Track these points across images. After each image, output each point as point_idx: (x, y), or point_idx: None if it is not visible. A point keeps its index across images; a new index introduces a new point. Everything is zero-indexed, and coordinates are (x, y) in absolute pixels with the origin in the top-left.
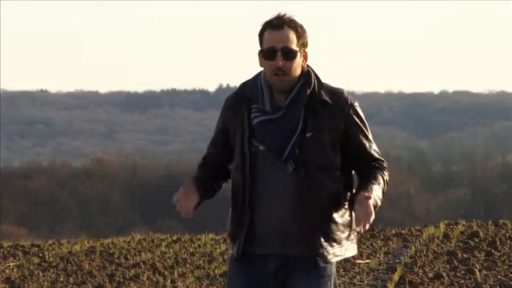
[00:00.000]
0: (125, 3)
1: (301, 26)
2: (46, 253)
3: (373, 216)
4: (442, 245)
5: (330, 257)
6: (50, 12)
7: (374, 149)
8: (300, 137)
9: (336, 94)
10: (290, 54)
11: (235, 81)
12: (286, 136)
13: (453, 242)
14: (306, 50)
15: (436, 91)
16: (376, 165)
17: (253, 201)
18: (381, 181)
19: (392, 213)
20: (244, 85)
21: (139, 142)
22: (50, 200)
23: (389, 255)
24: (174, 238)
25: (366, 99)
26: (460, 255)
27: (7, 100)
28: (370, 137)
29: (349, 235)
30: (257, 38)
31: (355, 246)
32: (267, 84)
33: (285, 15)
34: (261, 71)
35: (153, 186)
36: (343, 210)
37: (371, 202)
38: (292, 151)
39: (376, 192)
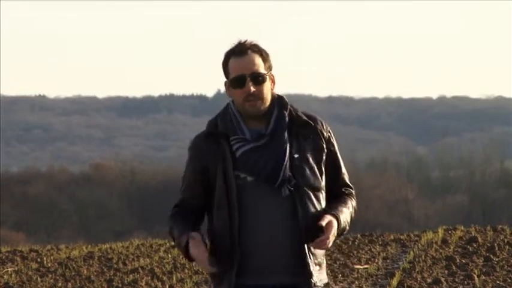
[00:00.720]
0: (122, 7)
1: (265, 50)
2: (44, 258)
3: (330, 241)
4: (441, 250)
5: (318, 283)
6: (48, 16)
7: (346, 174)
8: (290, 160)
9: (312, 118)
10: (260, 79)
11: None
12: (276, 161)
13: (452, 247)
14: (273, 73)
15: (435, 96)
16: (347, 192)
17: (243, 236)
18: (350, 206)
19: (390, 219)
20: (213, 122)
21: (138, 147)
22: (48, 206)
23: (388, 261)
24: (173, 243)
25: (364, 104)
26: (458, 260)
27: (5, 105)
28: (342, 161)
29: (324, 261)
30: (221, 68)
31: (325, 274)
32: (240, 114)
33: (246, 41)
34: (227, 104)
35: (152, 192)
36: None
37: (334, 226)
38: (285, 174)
39: (345, 216)
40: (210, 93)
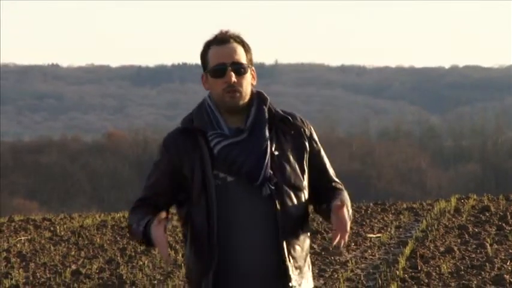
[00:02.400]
0: None
1: (247, 43)
2: (57, 227)
3: (348, 227)
4: (453, 219)
5: None
6: None
7: (332, 170)
8: (271, 157)
9: (291, 115)
10: (241, 70)
11: None
12: (257, 158)
13: (464, 216)
14: (253, 68)
15: (447, 65)
16: (338, 186)
17: (222, 239)
18: (348, 198)
19: (403, 188)
20: (188, 118)
21: (151, 116)
22: (61, 175)
23: (401, 230)
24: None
25: (377, 73)
26: (471, 229)
27: (18, 74)
28: (326, 157)
29: (308, 264)
30: (199, 59)
31: (311, 274)
32: (217, 108)
33: (228, 31)
34: (202, 100)
35: None
36: (307, 235)
37: (345, 212)
38: (267, 173)
39: (348, 204)
40: None
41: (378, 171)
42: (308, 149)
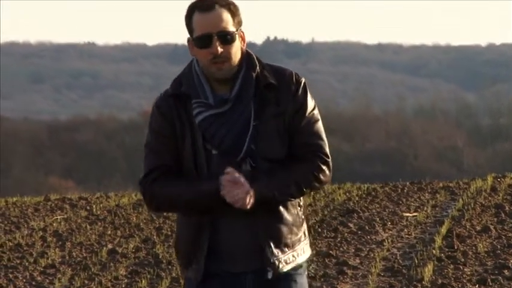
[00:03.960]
0: None
1: (234, 3)
2: (93, 206)
3: (240, 199)
4: (490, 198)
5: (281, 265)
6: None
7: (312, 136)
8: (253, 130)
9: (280, 72)
10: (228, 38)
11: (283, 34)
12: (238, 132)
13: (501, 195)
14: (242, 29)
15: (484, 43)
16: (309, 156)
17: (210, 217)
18: (299, 172)
19: (439, 166)
20: (178, 81)
21: None
22: (97, 153)
23: (437, 209)
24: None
25: (413, 51)
26: (507, 208)
27: (54, 52)
28: (315, 123)
29: (301, 236)
30: (184, 22)
31: (308, 248)
32: (204, 76)
33: None
34: (190, 63)
35: None
36: (294, 208)
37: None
38: (249, 147)
39: (275, 182)
40: (259, 40)
41: (414, 150)
42: (291, 112)
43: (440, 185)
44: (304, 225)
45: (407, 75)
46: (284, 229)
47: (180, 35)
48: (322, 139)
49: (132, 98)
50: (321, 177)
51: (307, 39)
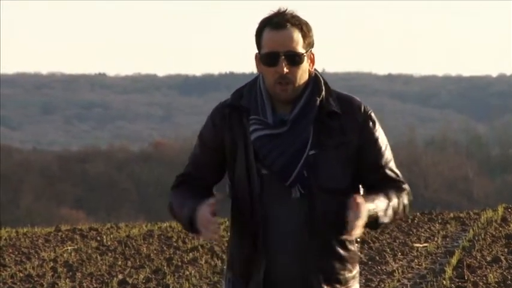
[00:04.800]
0: None
1: (306, 23)
2: (104, 237)
3: (361, 220)
4: (500, 228)
5: None
6: None
7: (392, 168)
8: (307, 157)
9: (347, 102)
10: (296, 59)
11: None
12: (292, 155)
13: (511, 225)
14: (313, 51)
15: (494, 74)
16: (393, 185)
17: (265, 237)
18: (393, 198)
19: (450, 197)
20: (239, 93)
21: (198, 125)
22: (108, 184)
23: (448, 239)
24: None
25: (423, 82)
26: None
27: (65, 83)
28: (389, 154)
29: (355, 274)
30: (253, 38)
31: (358, 286)
32: (267, 94)
33: (286, 10)
34: (256, 77)
35: None
36: (351, 244)
37: (363, 205)
38: (300, 174)
39: (379, 204)
40: None
41: (425, 180)
42: (357, 143)
43: (451, 215)
44: (357, 265)
45: (417, 105)
46: (337, 264)
47: (190, 66)
48: (398, 172)
49: (143, 128)
50: (409, 208)
51: (318, 69)
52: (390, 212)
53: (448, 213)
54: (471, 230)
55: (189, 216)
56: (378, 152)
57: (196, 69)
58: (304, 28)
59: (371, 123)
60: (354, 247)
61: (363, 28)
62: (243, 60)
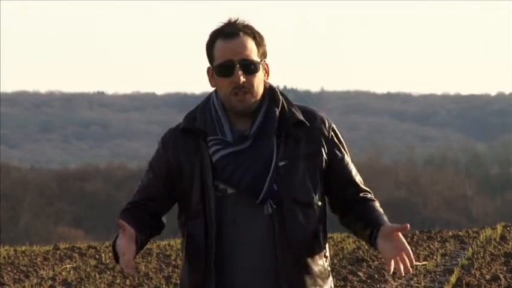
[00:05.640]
0: (179, 4)
1: (259, 33)
2: (103, 255)
3: (410, 251)
4: (499, 247)
5: None
6: (105, 14)
7: (359, 177)
8: (276, 169)
9: (310, 114)
10: (251, 67)
11: (292, 83)
12: (259, 171)
13: (510, 243)
14: (266, 61)
15: (493, 93)
16: (368, 197)
17: (219, 262)
18: (381, 211)
19: (449, 215)
20: (192, 116)
21: None
22: (107, 202)
23: (447, 257)
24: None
25: (422, 101)
26: None
27: (64, 102)
28: (351, 163)
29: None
30: (205, 52)
31: None
32: (223, 109)
33: (237, 20)
34: (209, 96)
35: None
36: (320, 258)
37: (401, 236)
38: (270, 188)
39: (386, 219)
40: None
41: (424, 199)
42: (326, 156)
43: (450, 233)
44: (331, 278)
45: (416, 124)
46: (308, 280)
47: (189, 84)
48: (362, 180)
49: (141, 146)
50: None
51: (317, 88)
52: None
53: (447, 231)
54: (470, 249)
55: (113, 241)
56: (347, 164)
57: (195, 87)
58: (257, 37)
59: (337, 137)
60: (324, 262)
61: (361, 47)
62: None
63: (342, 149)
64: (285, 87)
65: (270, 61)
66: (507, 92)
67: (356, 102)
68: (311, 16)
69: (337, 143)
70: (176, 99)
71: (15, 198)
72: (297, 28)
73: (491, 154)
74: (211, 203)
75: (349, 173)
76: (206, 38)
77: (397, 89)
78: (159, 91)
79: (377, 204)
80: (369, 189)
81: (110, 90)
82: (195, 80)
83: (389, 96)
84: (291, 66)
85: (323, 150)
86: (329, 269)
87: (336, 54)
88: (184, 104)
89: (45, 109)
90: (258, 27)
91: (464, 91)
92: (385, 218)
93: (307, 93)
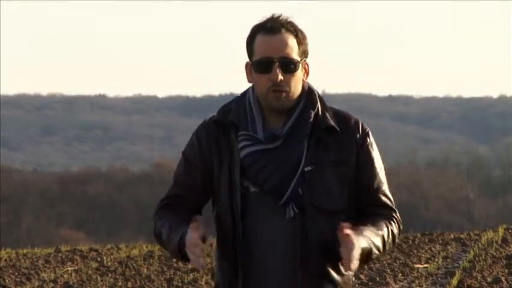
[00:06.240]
0: (181, 5)
1: (302, 31)
2: (104, 257)
3: (356, 251)
4: (501, 249)
5: None
6: (107, 16)
7: (385, 192)
8: (302, 174)
9: (345, 119)
10: (291, 66)
11: None
12: (286, 173)
13: None
14: (307, 61)
15: (495, 95)
16: (384, 213)
17: (246, 259)
18: (384, 229)
19: (451, 218)
20: (226, 109)
21: None
22: (108, 205)
23: (448, 260)
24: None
25: (424, 103)
26: None
27: (65, 104)
28: (383, 177)
29: None
30: (245, 46)
31: None
32: (258, 106)
33: (280, 16)
34: (246, 90)
35: None
36: (338, 266)
37: (353, 236)
38: (294, 192)
39: (371, 237)
40: None
41: (426, 201)
42: (355, 162)
43: (452, 236)
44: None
45: (418, 127)
46: None
47: (191, 87)
48: (391, 198)
49: (143, 149)
50: (397, 240)
51: (318, 90)
52: (380, 243)
53: (448, 234)
54: (472, 251)
55: (178, 243)
56: (372, 173)
57: (196, 90)
58: (299, 35)
59: (369, 142)
60: (349, 272)
61: (363, 49)
62: (243, 81)
63: (372, 155)
64: None
65: None
66: (509, 95)
67: (358, 105)
68: (311, 18)
69: (368, 149)
70: (178, 102)
71: (16, 200)
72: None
73: (493, 156)
74: (238, 199)
75: (370, 182)
76: (209, 41)
77: (399, 92)
78: (161, 94)
79: (382, 221)
80: (392, 207)
81: (111, 92)
82: (197, 83)
83: (391, 99)
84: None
85: (353, 157)
86: (354, 279)
87: (338, 57)
88: (186, 107)
89: (46, 112)
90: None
91: (466, 94)
92: (368, 229)
93: None
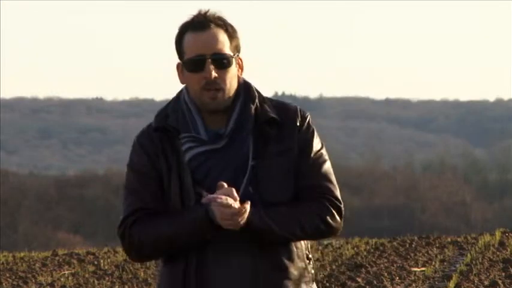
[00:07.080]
0: (180, 9)
1: (231, 25)
2: (101, 261)
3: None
4: (498, 253)
5: None
6: (104, 19)
7: (326, 178)
8: (251, 170)
9: (284, 108)
10: (224, 61)
11: (291, 89)
12: (235, 171)
13: (509, 250)
14: (240, 55)
15: (492, 99)
16: (318, 196)
17: (198, 263)
18: (302, 211)
19: (448, 221)
20: (163, 114)
21: None
22: (106, 208)
23: (445, 263)
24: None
25: (421, 107)
26: None
27: (62, 108)
28: (322, 162)
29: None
30: (174, 46)
31: None
32: (195, 106)
33: (208, 11)
34: (179, 92)
35: None
36: (301, 261)
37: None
38: (246, 190)
39: (274, 214)
40: (268, 95)
41: (422, 205)
42: (297, 150)
43: (449, 239)
44: (314, 284)
45: (415, 130)
46: (289, 284)
47: None
48: (331, 182)
49: None
50: (329, 220)
51: (315, 94)
52: (288, 224)
53: (445, 237)
54: (469, 254)
55: (205, 211)
56: (308, 157)
57: None
58: (229, 29)
59: (307, 127)
60: (305, 264)
61: (360, 53)
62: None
63: (312, 143)
64: (283, 93)
65: (268, 68)
66: (506, 98)
67: (355, 108)
68: (310, 22)
69: (306, 136)
70: None
71: (13, 204)
72: (296, 34)
73: (490, 160)
74: (191, 201)
75: (305, 167)
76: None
77: (396, 95)
78: (158, 97)
79: (309, 205)
80: (331, 193)
81: (108, 96)
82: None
83: (388, 102)
84: (289, 73)
85: (295, 146)
86: (312, 272)
87: (335, 60)
88: None
89: (43, 115)
90: (258, 30)
91: (463, 97)
92: (277, 208)
93: (305, 100)
